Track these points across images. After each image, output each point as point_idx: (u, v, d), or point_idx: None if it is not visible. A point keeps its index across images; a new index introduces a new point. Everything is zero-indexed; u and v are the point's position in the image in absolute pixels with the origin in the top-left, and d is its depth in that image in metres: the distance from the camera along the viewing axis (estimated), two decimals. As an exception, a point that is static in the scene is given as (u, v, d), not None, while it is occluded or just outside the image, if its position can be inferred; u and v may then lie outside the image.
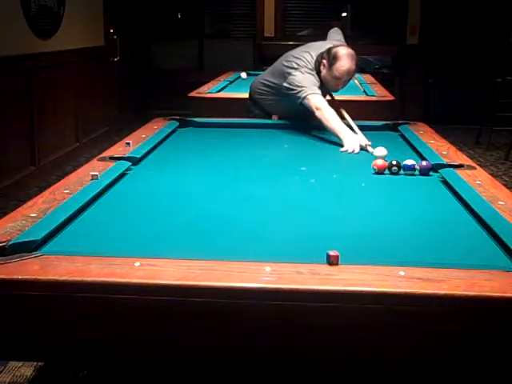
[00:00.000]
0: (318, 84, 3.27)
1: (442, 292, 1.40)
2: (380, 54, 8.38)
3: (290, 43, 8.18)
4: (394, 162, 2.47)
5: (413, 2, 8.05)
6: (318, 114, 3.16)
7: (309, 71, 3.30)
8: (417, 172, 2.45)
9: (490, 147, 6.87)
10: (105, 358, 1.55)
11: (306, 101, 3.20)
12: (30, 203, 1.95)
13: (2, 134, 4.79)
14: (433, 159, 2.60)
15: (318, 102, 3.18)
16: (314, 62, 3.32)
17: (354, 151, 2.90)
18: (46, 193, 2.06)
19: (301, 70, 3.30)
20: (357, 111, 3.91)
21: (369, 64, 8.23)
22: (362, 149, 2.93)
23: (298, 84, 3.25)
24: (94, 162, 2.48)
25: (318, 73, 3.31)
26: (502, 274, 1.49)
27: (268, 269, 1.48)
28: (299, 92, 3.22)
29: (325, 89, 3.37)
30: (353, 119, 3.52)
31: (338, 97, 4.22)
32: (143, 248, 1.64)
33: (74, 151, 6.16)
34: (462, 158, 2.66)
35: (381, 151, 2.65)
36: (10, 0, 4.95)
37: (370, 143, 2.95)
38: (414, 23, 8.09)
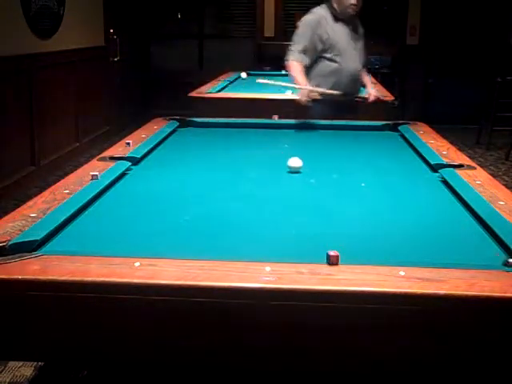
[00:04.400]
0: (307, 35, 3.74)
1: (442, 292, 1.40)
2: (380, 54, 8.38)
3: (290, 43, 8.22)
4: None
5: (413, 2, 8.04)
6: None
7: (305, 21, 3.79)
8: None
9: (490, 147, 6.86)
10: (105, 357, 1.55)
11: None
12: (30, 203, 1.95)
13: (2, 134, 4.79)
14: (433, 159, 2.61)
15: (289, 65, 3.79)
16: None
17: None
18: (46, 193, 2.06)
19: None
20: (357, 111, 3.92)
21: (369, 64, 8.21)
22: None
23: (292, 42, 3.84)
24: (94, 162, 2.48)
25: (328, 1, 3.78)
26: (502, 274, 1.49)
27: (268, 269, 1.48)
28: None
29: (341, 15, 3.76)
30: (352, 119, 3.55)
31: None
32: (143, 248, 1.64)
33: (74, 151, 6.16)
34: (461, 158, 2.66)
35: (295, 162, 2.50)
36: (10, 0, 4.95)
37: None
38: (413, 23, 8.09)
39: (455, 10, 8.03)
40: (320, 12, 3.79)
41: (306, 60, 3.75)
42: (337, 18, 3.76)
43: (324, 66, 3.79)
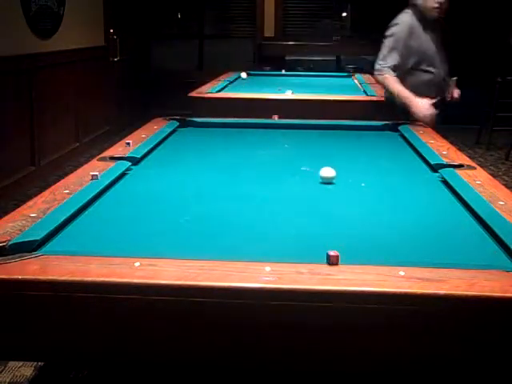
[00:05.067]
0: (399, 49, 3.66)
1: (442, 292, 1.40)
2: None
3: (290, 43, 8.23)
4: None
5: (413, 2, 8.04)
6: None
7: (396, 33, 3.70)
8: None
9: (490, 147, 6.86)
10: (105, 357, 1.55)
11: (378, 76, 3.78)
12: (30, 203, 1.95)
13: (2, 134, 4.79)
14: (433, 159, 2.61)
15: (385, 78, 3.71)
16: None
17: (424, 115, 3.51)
18: (46, 193, 2.06)
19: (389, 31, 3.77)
20: (357, 111, 3.93)
21: (369, 64, 8.22)
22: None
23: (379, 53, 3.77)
24: (94, 162, 2.48)
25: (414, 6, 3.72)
26: (502, 273, 1.49)
27: (268, 269, 1.48)
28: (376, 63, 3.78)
29: (422, 16, 3.70)
30: (353, 119, 3.54)
31: (338, 97, 4.24)
32: (143, 248, 1.64)
33: (74, 151, 6.16)
34: (461, 158, 2.66)
35: (327, 172, 2.32)
36: (10, 0, 4.95)
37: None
38: (414, 23, 8.08)
39: (455, 10, 8.01)
40: (407, 20, 3.72)
41: (397, 74, 3.68)
42: (424, 24, 3.70)
43: (418, 77, 3.72)
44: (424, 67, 3.72)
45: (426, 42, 3.72)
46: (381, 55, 3.73)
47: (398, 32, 3.70)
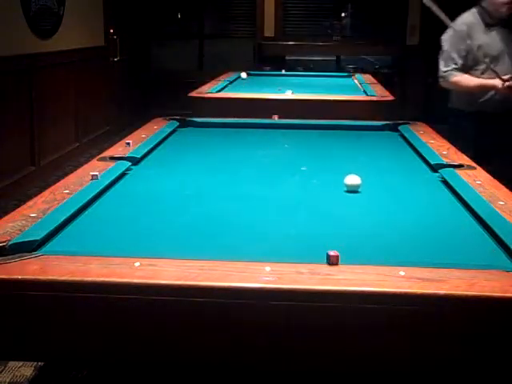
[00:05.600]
0: (459, 49, 3.64)
1: (442, 292, 1.40)
2: (380, 54, 8.38)
3: (290, 43, 8.24)
4: None
5: (413, 2, 8.04)
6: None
7: (449, 32, 3.69)
8: None
9: (490, 147, 6.85)
10: (105, 357, 1.55)
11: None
12: (30, 203, 1.95)
13: (2, 134, 4.79)
14: (433, 159, 2.61)
15: (455, 81, 3.68)
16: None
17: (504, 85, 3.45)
18: (46, 193, 2.06)
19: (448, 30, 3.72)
20: (357, 111, 3.93)
21: (369, 64, 8.23)
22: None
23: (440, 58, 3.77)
24: (94, 162, 2.48)
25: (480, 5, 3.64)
26: (502, 273, 1.49)
27: (268, 269, 1.48)
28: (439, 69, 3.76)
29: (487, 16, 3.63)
30: (353, 119, 3.54)
31: (338, 97, 4.24)
32: (143, 248, 1.64)
33: (74, 151, 6.16)
34: (461, 158, 2.66)
35: (352, 179, 2.23)
36: (9, 0, 4.95)
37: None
38: (413, 23, 8.08)
39: (455, 10, 8.01)
40: (465, 20, 3.66)
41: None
42: (489, 22, 3.60)
43: (479, 76, 3.63)
44: (485, 68, 3.61)
45: (489, 40, 3.61)
46: (441, 62, 3.70)
47: (452, 34, 3.67)
